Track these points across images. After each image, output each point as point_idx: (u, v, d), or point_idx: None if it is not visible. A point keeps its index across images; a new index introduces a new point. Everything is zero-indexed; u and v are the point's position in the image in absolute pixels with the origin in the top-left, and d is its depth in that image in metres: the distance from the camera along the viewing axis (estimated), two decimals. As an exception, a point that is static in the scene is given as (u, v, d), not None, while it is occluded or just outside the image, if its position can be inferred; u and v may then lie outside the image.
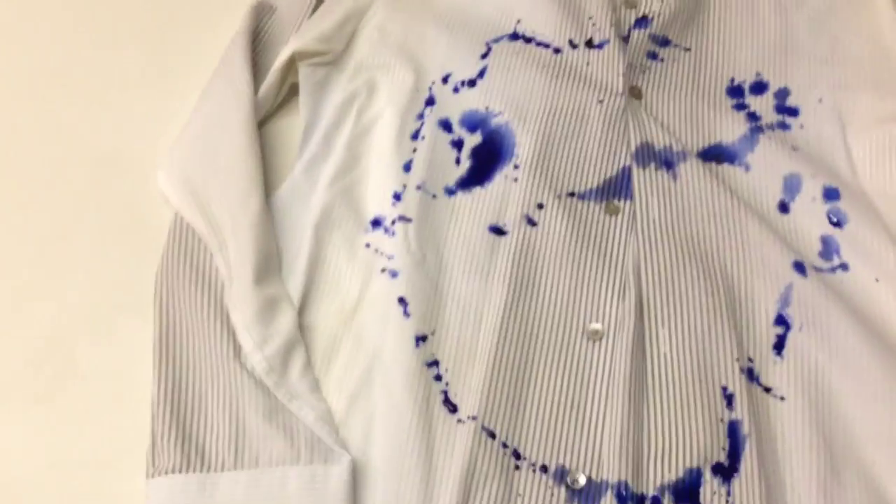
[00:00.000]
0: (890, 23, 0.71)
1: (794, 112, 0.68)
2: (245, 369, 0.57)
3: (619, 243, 0.62)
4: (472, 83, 0.70)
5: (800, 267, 0.60)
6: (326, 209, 0.64)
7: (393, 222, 0.64)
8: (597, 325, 0.59)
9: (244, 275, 0.59)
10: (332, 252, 0.63)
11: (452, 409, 0.56)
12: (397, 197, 0.65)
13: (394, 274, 0.61)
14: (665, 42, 0.72)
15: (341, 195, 0.65)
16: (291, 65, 0.71)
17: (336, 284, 0.62)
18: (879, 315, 0.59)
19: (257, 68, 0.72)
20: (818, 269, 0.61)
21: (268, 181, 0.66)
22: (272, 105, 0.71)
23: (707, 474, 0.53)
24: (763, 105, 0.69)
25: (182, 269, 0.61)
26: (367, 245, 0.64)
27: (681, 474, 0.53)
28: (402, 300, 0.60)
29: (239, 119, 0.66)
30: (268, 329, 0.58)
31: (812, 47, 0.71)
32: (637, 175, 0.64)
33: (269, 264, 0.61)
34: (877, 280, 0.60)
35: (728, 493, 0.52)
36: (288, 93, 0.72)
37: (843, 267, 0.61)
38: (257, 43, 0.73)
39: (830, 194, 0.63)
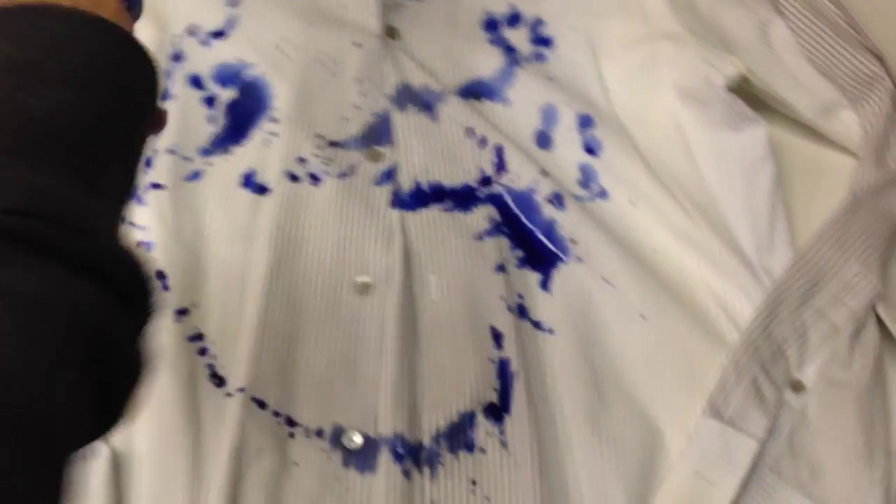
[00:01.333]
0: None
1: (548, 42, 0.68)
2: None
3: (385, 192, 0.60)
4: (221, 34, 0.66)
5: (559, 199, 0.60)
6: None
7: (144, 191, 0.59)
8: (365, 279, 0.57)
9: None
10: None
11: (220, 382, 0.54)
12: (147, 163, 0.60)
13: (149, 246, 0.57)
14: (420, -20, 0.70)
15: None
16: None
17: None
18: (636, 237, 0.61)
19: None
20: (579, 199, 0.62)
21: None
22: None
23: (480, 416, 0.53)
24: (519, 37, 0.68)
25: None
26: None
27: (455, 419, 0.53)
28: (159, 274, 0.56)
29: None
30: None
31: None
32: (397, 119, 0.62)
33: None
34: (631, 203, 0.61)
35: (501, 433, 0.53)
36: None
37: (602, 194, 0.62)
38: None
39: (585, 122, 0.64)
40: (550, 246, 0.59)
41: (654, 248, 0.60)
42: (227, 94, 0.64)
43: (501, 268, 0.58)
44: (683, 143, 0.64)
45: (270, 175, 0.61)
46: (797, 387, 0.53)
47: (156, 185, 0.59)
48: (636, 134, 0.65)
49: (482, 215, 0.60)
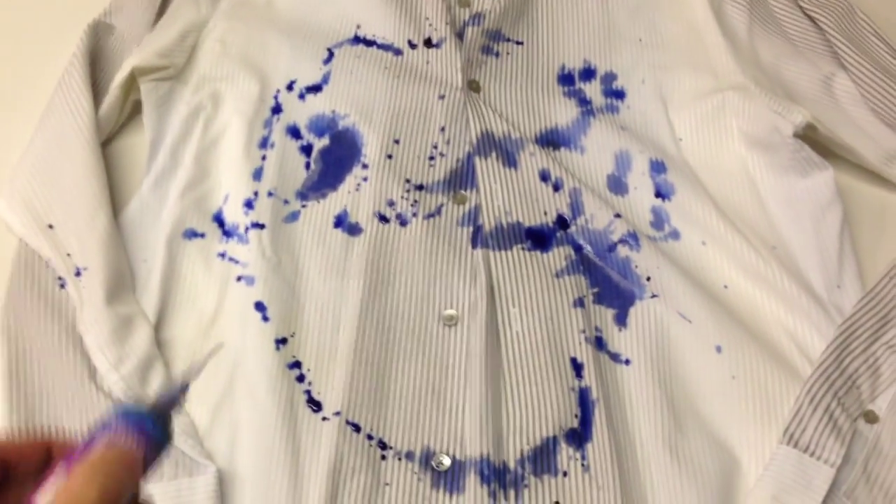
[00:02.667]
0: (701, 7, 0.76)
1: (620, 95, 0.73)
2: (101, 390, 0.56)
3: (469, 232, 0.64)
4: (317, 88, 0.72)
5: (633, 238, 0.64)
6: (178, 222, 0.65)
7: (246, 230, 0.64)
8: (451, 311, 0.61)
9: (95, 296, 0.59)
10: (186, 265, 0.63)
11: (317, 407, 0.58)
12: (249, 205, 0.65)
13: (250, 281, 0.62)
14: (498, 37, 0.75)
15: (192, 207, 0.66)
16: (133, 82, 0.70)
17: (192, 297, 0.62)
18: (708, 274, 0.63)
19: (98, 88, 0.71)
20: (652, 239, 0.65)
21: (116, 201, 0.66)
22: (115, 124, 0.71)
23: (562, 442, 0.56)
24: (592, 90, 0.73)
25: (29, 298, 0.60)
26: (223, 255, 0.64)
27: (538, 443, 0.56)
28: (259, 305, 0.61)
29: (80, 140, 0.65)
30: (123, 348, 0.57)
31: (632, 32, 0.76)
32: (480, 165, 0.67)
33: (121, 283, 0.61)
34: (703, 243, 0.64)
35: (583, 458, 0.55)
36: (132, 111, 0.72)
37: (674, 234, 0.65)
38: (97, 63, 0.73)
39: (657, 168, 0.68)
40: (626, 283, 0.62)
41: (726, 285, 0.63)
42: (321, 143, 0.69)
43: (580, 303, 0.61)
44: (752, 188, 0.67)
45: (362, 216, 0.65)
46: (870, 417, 0.55)
47: (257, 225, 0.64)
48: (706, 179, 0.68)
49: (561, 255, 0.64)
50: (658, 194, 0.67)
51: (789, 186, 0.66)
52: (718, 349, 0.59)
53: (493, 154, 0.68)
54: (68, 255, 0.61)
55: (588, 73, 0.74)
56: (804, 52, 0.73)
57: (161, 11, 0.76)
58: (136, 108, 0.71)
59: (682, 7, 0.77)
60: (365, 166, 0.68)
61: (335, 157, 0.69)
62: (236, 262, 0.64)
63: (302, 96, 0.71)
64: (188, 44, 0.73)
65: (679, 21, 0.77)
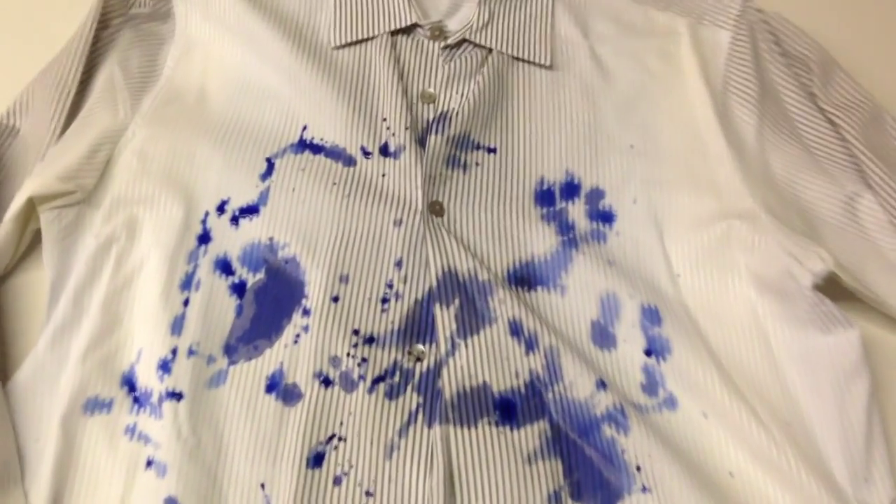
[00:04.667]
0: (702, 105, 0.65)
1: (608, 217, 0.62)
2: None
3: (426, 401, 0.54)
4: (252, 210, 0.61)
5: (621, 416, 0.53)
6: (78, 391, 0.54)
7: (160, 400, 0.54)
8: (402, 511, 0.51)
9: (-33, 502, 0.49)
10: (87, 445, 0.53)
11: None
12: (165, 367, 0.55)
13: (162, 469, 0.52)
14: (466, 143, 0.64)
15: (97, 370, 0.55)
16: (32, 209, 0.60)
17: (93, 488, 0.52)
18: (711, 458, 0.53)
19: (-3, 210, 0.60)
20: (642, 409, 0.55)
21: (9, 363, 0.55)
22: (11, 259, 0.60)
23: None
24: (576, 212, 0.62)
25: None
26: (132, 430, 0.54)
27: None
28: (171, 502, 0.51)
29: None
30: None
31: (622, 136, 0.65)
32: (440, 315, 0.56)
33: (5, 477, 0.51)
34: (704, 415, 0.54)
35: None
36: (35, 239, 0.61)
37: (670, 402, 0.55)
38: (-2, 174, 0.62)
39: (651, 317, 0.57)
40: (611, 471, 0.52)
41: (731, 472, 0.53)
42: (256, 279, 0.59)
43: (556, 497, 0.51)
44: (763, 342, 0.57)
45: (300, 377, 0.55)
46: None
47: (173, 395, 0.54)
48: (708, 328, 0.58)
49: (534, 432, 0.53)
50: (650, 351, 0.56)
51: (807, 345, 0.55)
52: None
53: (456, 301, 0.57)
54: None
55: (571, 189, 0.63)
56: (824, 164, 0.63)
57: (73, 112, 0.65)
58: (38, 238, 0.61)
59: (679, 104, 0.66)
60: (306, 312, 0.57)
61: (272, 297, 0.58)
62: (147, 440, 0.53)
63: (235, 220, 0.61)
64: (99, 160, 0.62)
65: (676, 122, 0.66)
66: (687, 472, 0.51)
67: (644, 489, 0.51)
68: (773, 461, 0.52)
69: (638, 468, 0.52)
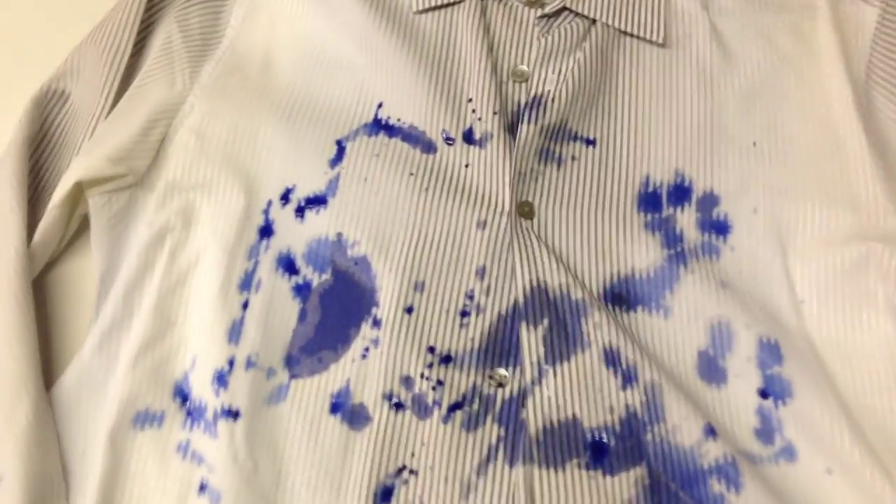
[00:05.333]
0: (841, 97, 0.56)
1: (723, 228, 0.54)
2: None
3: (508, 434, 0.48)
4: (320, 201, 0.55)
5: (733, 470, 0.47)
6: (128, 403, 0.49)
7: (215, 417, 0.49)
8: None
9: (10, 520, 0.45)
10: (136, 463, 0.49)
11: None
12: (221, 379, 0.50)
13: (216, 497, 0.47)
14: (563, 134, 0.56)
15: (148, 379, 0.50)
16: (79, 192, 0.54)
17: None
18: (832, 520, 0.46)
19: (44, 186, 0.55)
20: (754, 460, 0.48)
21: (55, 361, 0.51)
22: (57, 248, 0.55)
23: None
24: (685, 220, 0.54)
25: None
26: (184, 448, 0.49)
27: None
28: (226, 539, 0.46)
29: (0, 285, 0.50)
30: None
31: (744, 133, 0.56)
32: (527, 337, 0.50)
33: (47, 494, 0.47)
34: (829, 472, 0.47)
35: None
36: (82, 225, 0.56)
37: (788, 452, 0.48)
38: (45, 147, 0.56)
39: (770, 353, 0.50)
40: (718, 533, 0.46)
41: (857, 543, 0.46)
42: (321, 281, 0.53)
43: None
44: (900, 389, 0.49)
45: (368, 397, 0.49)
46: None
47: (229, 413, 0.49)
48: (836, 368, 0.50)
49: (629, 479, 0.47)
50: (767, 392, 0.49)
51: (956, 397, 0.48)
52: None
53: (545, 321, 0.50)
54: None
55: (681, 193, 0.55)
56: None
57: (128, 78, 0.58)
58: (87, 223, 0.55)
59: (814, 94, 0.57)
60: (376, 323, 0.51)
61: (339, 303, 0.52)
62: (201, 460, 0.48)
63: (300, 212, 0.54)
64: (153, 139, 0.56)
65: (809, 117, 0.57)
66: (806, 541, 0.45)
67: (755, 557, 0.45)
68: (907, 533, 0.45)
69: (750, 533, 0.45)
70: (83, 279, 0.54)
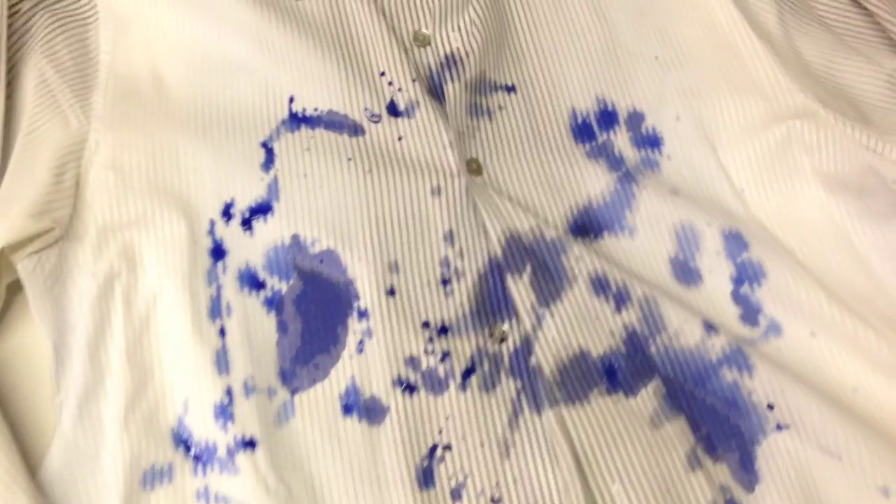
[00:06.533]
0: (718, 1, 0.60)
1: (655, 142, 0.57)
2: None
3: (525, 384, 0.48)
4: (265, 209, 0.52)
5: (739, 355, 0.49)
6: (131, 466, 0.45)
7: (230, 453, 0.46)
8: (538, 511, 0.46)
9: None
10: (158, 527, 0.45)
11: None
12: (224, 413, 0.47)
13: (260, 532, 0.44)
14: (484, 86, 0.57)
15: (145, 436, 0.46)
16: (1, 260, 0.49)
17: None
18: (830, 377, 0.50)
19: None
20: (749, 343, 0.51)
21: (27, 447, 0.46)
22: (-9, 326, 0.49)
23: None
24: (620, 142, 0.56)
25: None
26: (204, 496, 0.46)
27: None
28: (285, 566, 0.44)
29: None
30: None
31: (644, 48, 0.59)
32: (514, 287, 0.50)
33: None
34: (812, 334, 0.51)
35: None
36: (11, 293, 0.50)
37: (774, 329, 0.51)
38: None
39: (736, 242, 0.53)
40: (737, 416, 0.49)
41: (855, 388, 0.50)
42: (290, 287, 0.50)
43: (695, 460, 0.47)
44: (846, 245, 0.54)
45: (377, 388, 0.48)
46: None
47: (245, 444, 0.46)
48: (790, 241, 0.54)
49: (648, 393, 0.49)
50: (741, 279, 0.52)
51: (894, 238, 0.53)
52: (885, 491, 0.47)
53: (528, 267, 0.51)
54: None
55: (608, 117, 0.57)
56: (854, 45, 0.59)
57: (7, 130, 0.53)
58: (13, 290, 0.50)
59: (693, 2, 0.61)
60: (362, 314, 0.50)
61: (316, 305, 0.50)
62: (227, 501, 0.45)
63: (247, 224, 0.52)
64: (67, 185, 0.51)
65: (695, 23, 0.60)
66: (818, 399, 0.48)
67: (779, 427, 0.48)
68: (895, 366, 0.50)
69: (770, 406, 0.48)
70: (27, 352, 0.49)
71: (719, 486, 0.47)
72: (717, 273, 0.53)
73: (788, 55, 0.58)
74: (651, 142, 0.57)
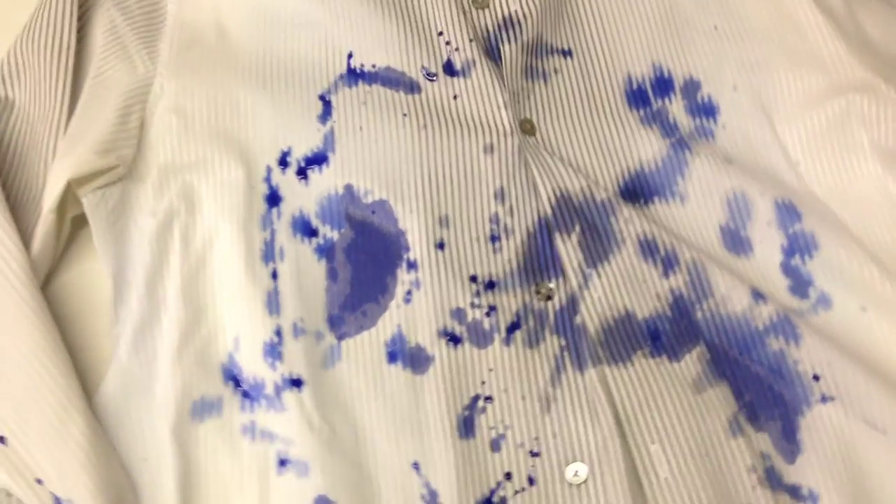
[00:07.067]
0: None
1: (711, 111, 0.56)
2: None
3: (570, 342, 0.49)
4: (320, 159, 0.53)
5: (787, 324, 0.49)
6: (182, 396, 0.47)
7: (277, 390, 0.47)
8: (577, 465, 0.46)
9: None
10: (206, 456, 0.46)
11: None
12: (273, 352, 0.48)
13: (302, 468, 0.46)
14: (541, 49, 0.57)
15: (196, 368, 0.48)
16: (68, 193, 0.50)
17: (225, 501, 0.46)
18: (880, 354, 0.50)
19: (18, 199, 0.51)
20: (797, 314, 0.50)
21: (83, 375, 0.47)
22: (53, 259, 0.51)
23: None
24: (675, 109, 0.56)
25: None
26: (250, 429, 0.47)
27: None
28: (323, 501, 0.45)
29: (18, 305, 0.46)
30: None
31: (703, 19, 0.59)
32: (563, 246, 0.50)
33: (123, 505, 0.44)
34: (863, 308, 0.50)
35: None
36: (72, 228, 0.52)
37: (824, 301, 0.51)
38: (2, 160, 0.52)
39: (788, 212, 0.53)
40: (783, 385, 0.48)
41: (904, 365, 0.49)
42: (342, 237, 0.51)
43: (737, 426, 0.47)
44: (902, 221, 0.53)
45: (423, 338, 0.49)
46: None
47: (292, 382, 0.47)
48: (845, 215, 0.53)
49: (692, 358, 0.49)
50: (792, 250, 0.52)
51: (953, 217, 0.52)
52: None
53: (577, 227, 0.51)
54: (38, 481, 0.43)
55: (664, 84, 0.57)
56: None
57: (78, 73, 0.54)
58: (77, 223, 0.52)
59: (756, -24, 0.60)
60: (411, 265, 0.50)
61: (367, 254, 0.51)
62: (272, 437, 0.47)
63: (302, 173, 0.53)
64: (132, 125, 0.52)
65: (758, -4, 0.60)
66: (865, 372, 0.48)
67: (824, 398, 0.48)
68: (947, 345, 0.49)
69: (815, 377, 0.48)
70: (89, 285, 0.51)
71: (760, 453, 0.47)
72: (767, 243, 0.52)
73: (850, 29, 0.57)
74: (706, 110, 0.56)
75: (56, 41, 0.54)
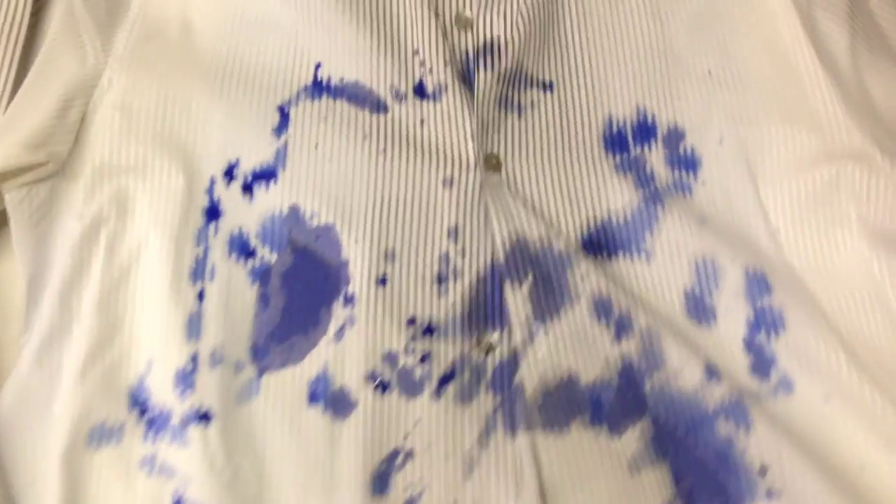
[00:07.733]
0: (787, 19, 0.55)
1: (692, 164, 0.52)
2: None
3: (505, 401, 0.45)
4: (269, 175, 0.50)
5: (738, 408, 0.46)
6: (79, 419, 0.44)
7: (183, 423, 0.44)
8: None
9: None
10: (97, 487, 0.44)
11: None
12: (185, 380, 0.45)
13: (197, 509, 0.43)
14: (520, 79, 0.53)
15: (100, 389, 0.45)
16: (-8, 187, 0.48)
17: None
18: (837, 449, 0.46)
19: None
20: (753, 398, 0.47)
21: (-16, 382, 0.45)
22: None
23: None
24: (654, 158, 0.52)
25: None
26: (150, 463, 0.44)
27: None
28: (216, 551, 0.42)
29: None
30: None
31: (697, 62, 0.55)
32: (512, 296, 0.47)
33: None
34: (826, 399, 0.47)
35: None
36: (-3, 224, 0.49)
37: (785, 385, 0.47)
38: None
39: (758, 285, 0.49)
40: (726, 476, 0.45)
41: (862, 465, 0.46)
42: (282, 262, 0.48)
43: (666, 507, 0.43)
44: (882, 307, 0.49)
45: (349, 380, 0.46)
46: None
47: (200, 417, 0.44)
48: (819, 293, 0.49)
49: (634, 433, 0.45)
50: (758, 325, 0.48)
51: (939, 309, 0.48)
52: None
53: (529, 277, 0.48)
54: None
55: (645, 130, 0.53)
56: (930, 89, 0.54)
57: (26, 56, 0.52)
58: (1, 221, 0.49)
59: (760, 18, 0.56)
60: (349, 299, 0.47)
61: (304, 283, 0.48)
62: (171, 473, 0.44)
63: (248, 188, 0.50)
64: (72, 119, 0.49)
65: (759, 41, 0.55)
66: (818, 470, 0.44)
67: (769, 494, 0.44)
68: (912, 450, 0.45)
69: (763, 470, 0.45)
70: (5, 287, 0.48)
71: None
72: (733, 315, 0.49)
73: (853, 89, 0.53)
74: (687, 163, 0.52)
75: (7, 21, 0.51)
